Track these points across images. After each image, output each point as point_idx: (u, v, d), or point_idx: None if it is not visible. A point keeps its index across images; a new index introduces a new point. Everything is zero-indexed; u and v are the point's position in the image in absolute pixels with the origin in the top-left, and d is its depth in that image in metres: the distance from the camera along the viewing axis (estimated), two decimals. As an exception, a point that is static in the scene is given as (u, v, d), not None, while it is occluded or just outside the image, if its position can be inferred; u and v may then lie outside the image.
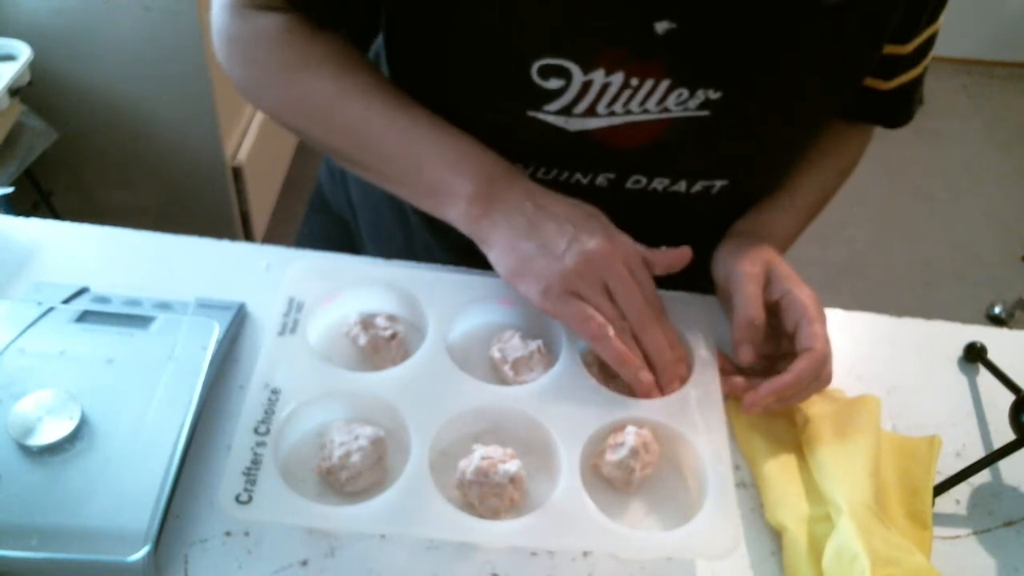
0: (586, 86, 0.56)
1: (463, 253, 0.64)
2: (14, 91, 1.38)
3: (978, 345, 0.70)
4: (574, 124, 0.59)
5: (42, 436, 0.50)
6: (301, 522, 0.50)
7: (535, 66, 0.56)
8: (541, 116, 0.59)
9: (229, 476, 0.48)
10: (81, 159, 1.66)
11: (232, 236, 1.74)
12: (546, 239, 0.56)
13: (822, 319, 0.59)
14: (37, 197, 1.57)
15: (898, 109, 0.69)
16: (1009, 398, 0.63)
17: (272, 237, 1.95)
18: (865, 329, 0.73)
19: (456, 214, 0.59)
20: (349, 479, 0.51)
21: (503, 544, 0.52)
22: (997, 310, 2.15)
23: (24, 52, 1.38)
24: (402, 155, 0.60)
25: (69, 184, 1.69)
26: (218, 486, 0.47)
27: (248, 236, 1.84)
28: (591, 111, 0.58)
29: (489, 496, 0.51)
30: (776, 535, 0.56)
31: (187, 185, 1.72)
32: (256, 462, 0.48)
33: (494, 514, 0.51)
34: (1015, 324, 2.13)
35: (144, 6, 1.42)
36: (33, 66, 1.40)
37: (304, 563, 0.51)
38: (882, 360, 0.70)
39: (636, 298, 0.56)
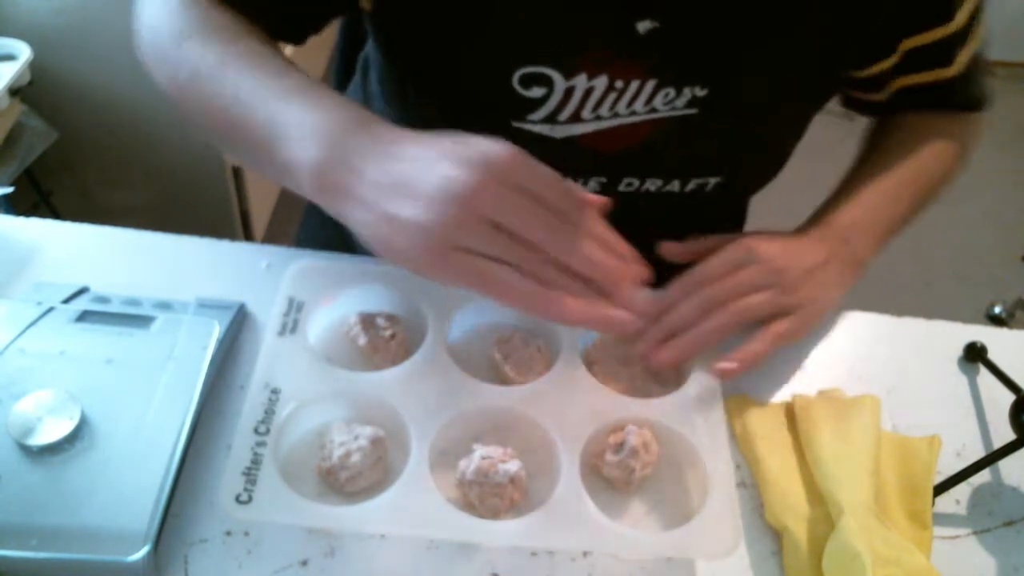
0: (569, 92, 0.56)
1: None
2: (14, 91, 1.38)
3: (978, 345, 0.70)
4: (560, 131, 0.58)
5: (42, 436, 0.50)
6: (301, 522, 0.50)
7: (516, 76, 0.55)
8: (527, 127, 0.58)
9: (229, 476, 0.48)
10: (81, 159, 1.65)
11: (232, 236, 1.74)
12: (407, 190, 0.43)
13: (748, 246, 0.58)
14: (37, 197, 1.57)
15: (970, 92, 0.68)
16: (1009, 398, 0.63)
17: (272, 237, 1.94)
18: (865, 329, 0.73)
19: (309, 189, 0.48)
20: (349, 479, 0.51)
21: (503, 544, 0.52)
22: (997, 310, 2.15)
23: (24, 52, 1.38)
24: (259, 128, 0.49)
25: (69, 184, 1.69)
26: (218, 486, 0.47)
27: (248, 236, 1.84)
28: (576, 117, 0.57)
29: (489, 496, 0.51)
30: (776, 535, 0.56)
31: (187, 185, 1.71)
32: (256, 462, 0.48)
33: (494, 514, 0.51)
34: (1015, 324, 2.13)
35: (144, 6, 1.42)
36: (33, 66, 1.40)
37: (304, 563, 0.51)
38: (882, 360, 0.70)
39: (537, 218, 0.43)
